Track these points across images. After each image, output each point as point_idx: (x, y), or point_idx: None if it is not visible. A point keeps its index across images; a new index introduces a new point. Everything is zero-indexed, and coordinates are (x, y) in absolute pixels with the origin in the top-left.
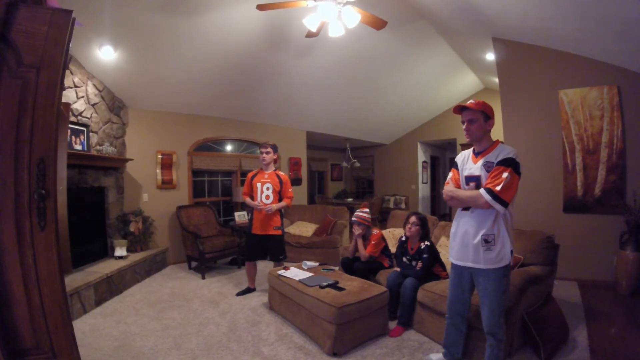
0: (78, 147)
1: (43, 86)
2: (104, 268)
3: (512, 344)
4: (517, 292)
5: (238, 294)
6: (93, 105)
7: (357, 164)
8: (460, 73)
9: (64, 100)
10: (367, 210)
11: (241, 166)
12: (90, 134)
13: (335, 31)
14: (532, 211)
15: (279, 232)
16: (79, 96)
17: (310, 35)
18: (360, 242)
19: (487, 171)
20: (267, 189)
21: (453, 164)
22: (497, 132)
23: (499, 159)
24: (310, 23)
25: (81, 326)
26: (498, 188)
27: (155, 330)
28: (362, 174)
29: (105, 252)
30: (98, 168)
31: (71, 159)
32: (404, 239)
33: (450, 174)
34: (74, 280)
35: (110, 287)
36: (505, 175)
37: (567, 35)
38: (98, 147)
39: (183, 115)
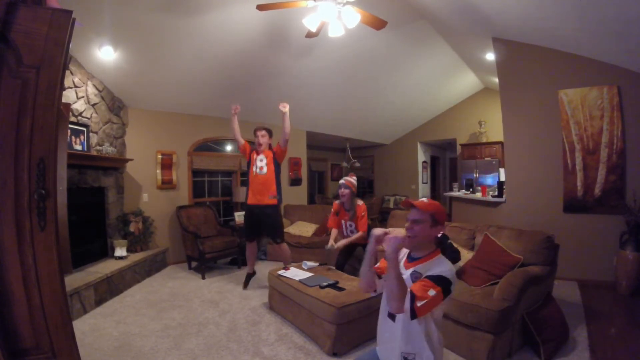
0: (78, 147)
1: (43, 86)
2: (104, 268)
3: (512, 344)
4: (517, 292)
5: (244, 288)
6: (93, 105)
7: (357, 164)
8: (460, 73)
9: (64, 100)
10: (355, 177)
11: (241, 166)
12: (90, 134)
13: (335, 31)
14: (532, 211)
15: (275, 202)
16: (79, 96)
17: (310, 35)
18: (350, 238)
19: (412, 281)
20: (261, 160)
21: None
22: (497, 131)
23: (431, 273)
24: (310, 23)
25: (81, 326)
26: (419, 304)
27: (155, 330)
28: (362, 174)
29: (105, 252)
30: (98, 168)
31: (71, 159)
32: None
33: None
34: (74, 280)
35: (110, 287)
36: (432, 293)
37: (567, 35)
38: (98, 147)
39: (183, 115)
